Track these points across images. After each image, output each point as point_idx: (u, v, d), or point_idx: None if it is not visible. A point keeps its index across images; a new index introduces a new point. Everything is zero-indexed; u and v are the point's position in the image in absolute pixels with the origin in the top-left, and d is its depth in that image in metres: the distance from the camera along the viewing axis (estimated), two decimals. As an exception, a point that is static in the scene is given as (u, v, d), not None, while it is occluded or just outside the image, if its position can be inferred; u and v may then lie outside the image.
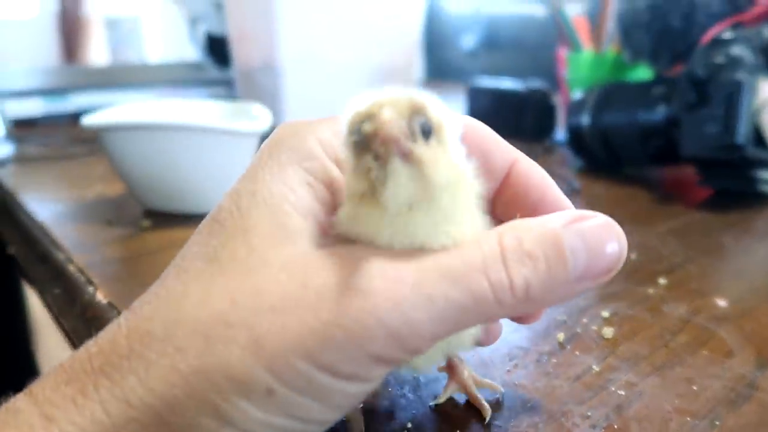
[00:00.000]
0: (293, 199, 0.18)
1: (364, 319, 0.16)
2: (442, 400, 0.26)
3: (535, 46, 1.50)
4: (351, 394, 0.17)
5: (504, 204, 0.23)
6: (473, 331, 0.24)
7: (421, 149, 0.18)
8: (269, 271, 0.17)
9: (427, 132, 0.18)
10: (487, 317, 0.18)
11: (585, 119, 0.68)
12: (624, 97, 0.65)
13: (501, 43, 1.66)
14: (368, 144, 0.17)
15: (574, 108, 0.70)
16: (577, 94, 0.73)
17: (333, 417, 0.18)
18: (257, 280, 0.16)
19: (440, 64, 1.76)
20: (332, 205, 0.20)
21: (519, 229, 0.18)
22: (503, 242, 0.17)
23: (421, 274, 0.17)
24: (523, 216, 0.20)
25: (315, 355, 0.16)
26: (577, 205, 0.48)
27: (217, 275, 0.17)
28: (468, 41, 1.70)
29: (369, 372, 0.17)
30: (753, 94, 0.53)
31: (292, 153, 0.19)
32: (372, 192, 0.18)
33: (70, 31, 2.67)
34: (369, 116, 0.17)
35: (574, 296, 0.19)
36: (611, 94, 0.67)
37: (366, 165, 0.17)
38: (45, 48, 2.58)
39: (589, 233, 0.18)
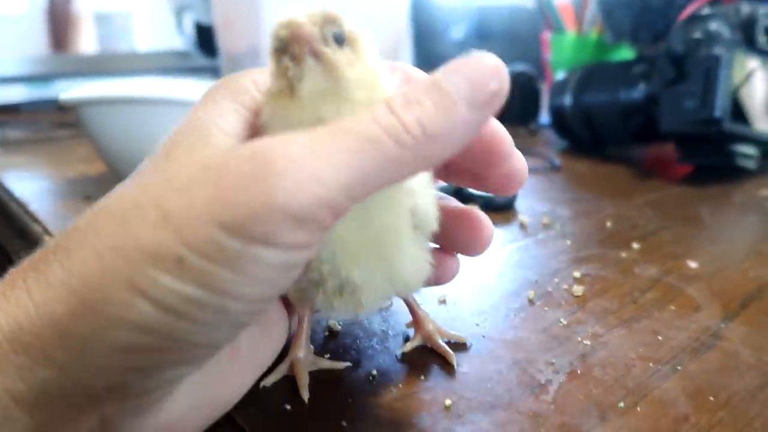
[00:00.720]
0: (220, 123, 0.19)
1: (263, 175, 0.16)
2: (407, 349, 0.26)
3: (525, 37, 1.50)
4: (268, 263, 0.16)
5: None
6: (419, 267, 0.24)
7: (334, 52, 0.19)
8: (181, 166, 0.18)
9: (340, 40, 0.19)
10: (399, 164, 0.17)
11: (567, 100, 0.68)
12: (605, 76, 0.66)
13: (491, 34, 1.66)
14: (286, 47, 0.19)
15: (557, 89, 0.70)
16: (559, 76, 0.74)
17: (252, 292, 0.17)
18: (168, 174, 0.17)
19: (429, 55, 1.76)
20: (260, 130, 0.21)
21: (404, 90, 0.19)
22: (390, 102, 0.18)
23: (316, 133, 0.17)
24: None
25: (222, 218, 0.16)
26: (558, 182, 0.48)
27: (135, 179, 0.18)
28: (457, 32, 1.71)
29: (280, 234, 0.16)
30: (730, 69, 0.54)
31: (227, 91, 0.20)
32: (290, 90, 0.19)
33: (60, 26, 2.66)
34: (287, 24, 0.19)
35: (476, 130, 0.19)
36: (592, 74, 0.67)
37: (284, 65, 0.19)
38: (35, 43, 2.57)
39: (463, 65, 0.18)
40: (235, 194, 0.16)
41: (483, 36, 1.71)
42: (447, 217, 0.24)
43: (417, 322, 0.27)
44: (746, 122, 0.56)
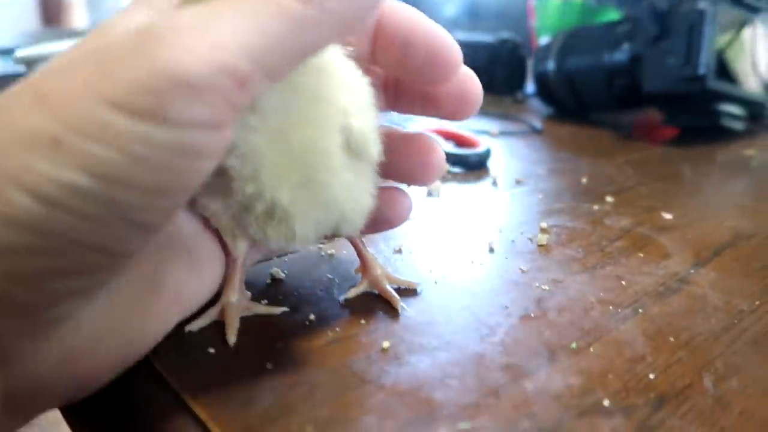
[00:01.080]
0: (125, 21, 0.17)
1: (150, 45, 0.14)
2: (351, 295, 0.24)
3: (518, 15, 1.48)
4: (161, 144, 0.14)
5: (382, 52, 0.22)
6: (356, 196, 0.22)
7: None
8: (65, 56, 0.16)
9: None
10: (306, 26, 0.16)
11: (550, 65, 0.66)
12: (588, 39, 0.64)
13: (483, 12, 1.64)
14: None
15: (540, 54, 0.68)
16: (543, 41, 0.72)
17: (145, 180, 0.14)
18: (51, 66, 0.15)
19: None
20: None
21: None
22: None
23: (210, 2, 0.15)
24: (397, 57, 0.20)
25: (103, 92, 0.14)
26: (537, 144, 0.46)
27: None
28: (449, 9, 1.68)
29: (172, 106, 0.14)
30: (715, 25, 0.52)
31: (142, 2, 0.19)
32: None
33: (51, 13, 2.63)
34: None
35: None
36: (575, 37, 0.65)
37: None
38: (26, 25, 2.54)
39: None
40: (118, 67, 0.14)
41: (475, 14, 1.68)
42: (393, 143, 0.22)
43: (364, 266, 0.25)
44: (729, 80, 0.54)
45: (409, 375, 0.19)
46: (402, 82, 0.23)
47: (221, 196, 0.21)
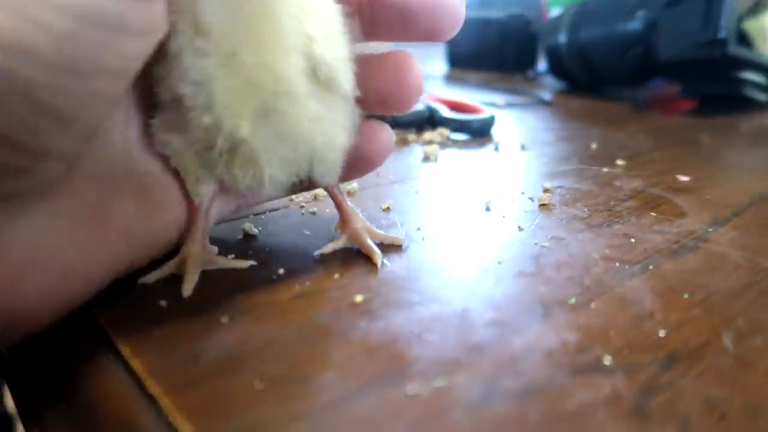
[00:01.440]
0: None
1: None
2: (327, 250, 0.22)
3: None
4: (65, 9, 0.12)
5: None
6: (326, 130, 0.19)
7: None
8: None
9: None
10: None
11: (562, 38, 0.63)
12: (601, 9, 0.61)
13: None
14: None
15: (551, 28, 0.65)
16: (554, 13, 0.68)
17: (47, 47, 0.12)
18: None
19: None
20: None
21: None
22: None
23: None
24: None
25: None
26: (546, 114, 0.43)
27: None
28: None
29: None
30: (737, -14, 0.48)
31: None
32: None
33: None
34: None
35: None
36: (588, 7, 0.62)
37: None
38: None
39: None
40: None
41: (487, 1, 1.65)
42: (367, 66, 0.20)
43: (343, 219, 0.23)
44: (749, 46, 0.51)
45: (381, 330, 0.17)
46: (378, 3, 0.20)
47: (181, 131, 0.19)
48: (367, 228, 0.23)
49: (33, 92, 0.12)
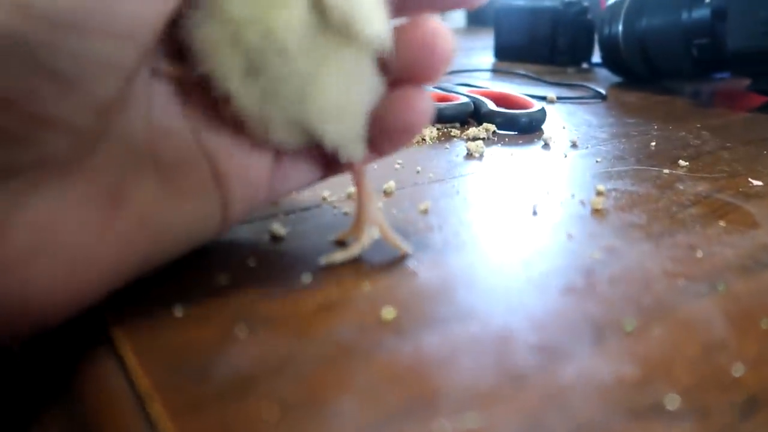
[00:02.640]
0: None
1: None
2: (336, 260, 0.20)
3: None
4: None
5: None
6: (343, 86, 0.17)
7: None
8: None
9: None
10: None
11: (618, 28, 0.59)
12: (663, -5, 0.56)
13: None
14: None
15: (607, 17, 0.62)
16: (610, 1, 0.65)
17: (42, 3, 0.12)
18: None
19: (485, 9, 1.67)
20: None
21: None
22: None
23: None
24: None
25: None
26: (600, 109, 0.40)
27: None
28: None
29: None
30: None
31: None
32: None
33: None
34: None
35: None
36: (649, -6, 0.58)
37: None
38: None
39: None
40: None
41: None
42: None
43: (361, 204, 0.20)
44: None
45: (409, 352, 0.15)
46: None
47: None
48: (382, 222, 0.21)
49: (31, 50, 0.12)
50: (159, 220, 0.17)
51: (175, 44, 0.17)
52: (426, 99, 0.19)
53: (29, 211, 0.14)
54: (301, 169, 0.20)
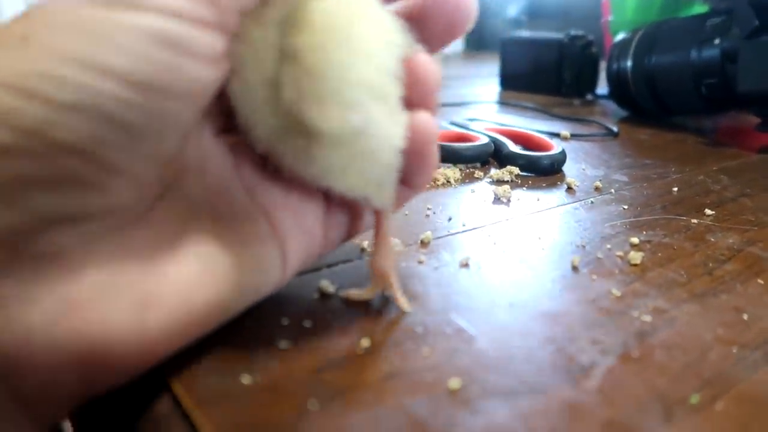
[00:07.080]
0: None
1: None
2: (352, 297, 0.21)
3: (582, 15, 1.41)
4: (137, 30, 0.14)
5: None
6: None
7: None
8: None
9: None
10: None
11: (628, 63, 0.60)
12: (672, 33, 0.58)
13: (545, 12, 1.57)
14: None
15: (616, 52, 0.63)
16: (619, 37, 0.66)
17: (118, 62, 0.13)
18: None
19: (483, 34, 1.69)
20: None
21: None
22: None
23: None
24: None
25: None
26: (614, 148, 0.40)
27: None
28: (512, 10, 1.63)
29: None
30: (828, 16, 0.45)
31: None
32: None
33: None
34: None
35: None
36: (658, 32, 0.59)
37: None
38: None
39: None
40: None
41: (537, 14, 1.62)
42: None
43: (378, 250, 0.20)
44: None
45: (483, 427, 0.15)
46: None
47: None
48: (393, 273, 0.21)
49: (105, 105, 0.13)
50: (220, 269, 0.18)
51: (226, 105, 0.18)
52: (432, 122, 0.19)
53: (99, 254, 0.15)
54: (349, 217, 0.22)
